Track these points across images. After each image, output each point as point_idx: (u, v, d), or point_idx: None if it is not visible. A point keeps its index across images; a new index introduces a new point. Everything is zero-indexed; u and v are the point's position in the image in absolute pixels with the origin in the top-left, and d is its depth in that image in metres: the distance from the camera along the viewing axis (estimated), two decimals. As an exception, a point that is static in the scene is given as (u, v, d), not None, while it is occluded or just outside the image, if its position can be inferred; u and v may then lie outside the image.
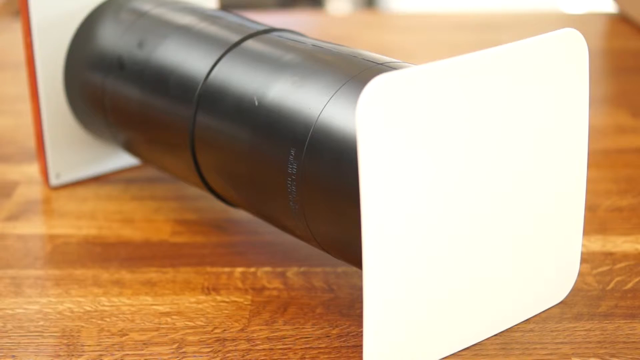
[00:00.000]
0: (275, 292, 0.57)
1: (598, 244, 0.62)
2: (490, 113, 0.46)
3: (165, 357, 0.51)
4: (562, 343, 0.52)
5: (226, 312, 0.55)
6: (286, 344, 0.52)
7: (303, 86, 0.51)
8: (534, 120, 0.48)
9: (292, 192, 0.50)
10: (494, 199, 0.47)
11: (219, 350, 0.51)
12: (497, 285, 0.50)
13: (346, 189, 0.47)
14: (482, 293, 0.49)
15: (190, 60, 0.58)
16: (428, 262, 0.46)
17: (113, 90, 0.62)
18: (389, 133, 0.42)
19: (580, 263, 0.58)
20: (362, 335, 0.52)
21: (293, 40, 0.57)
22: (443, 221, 0.46)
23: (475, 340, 0.50)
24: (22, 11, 0.64)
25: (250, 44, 0.57)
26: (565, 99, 0.49)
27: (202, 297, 0.56)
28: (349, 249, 0.49)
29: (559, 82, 0.48)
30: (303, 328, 0.53)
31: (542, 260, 0.52)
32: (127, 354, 0.51)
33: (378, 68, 0.50)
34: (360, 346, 0.51)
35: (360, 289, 0.57)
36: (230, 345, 0.52)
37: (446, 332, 0.49)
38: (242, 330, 0.53)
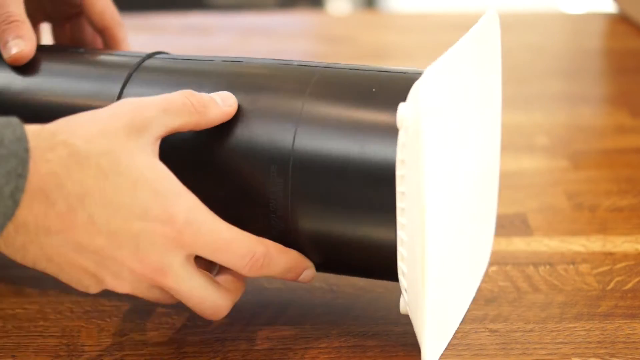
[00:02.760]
0: (275, 292, 0.57)
1: (598, 244, 0.62)
2: (472, 99, 0.51)
3: (165, 357, 0.51)
4: (562, 343, 0.52)
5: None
6: (286, 344, 0.52)
7: (260, 103, 0.50)
8: (487, 99, 0.54)
9: (276, 209, 0.48)
10: (476, 171, 0.53)
11: (219, 350, 0.51)
12: (475, 247, 0.55)
13: (342, 202, 0.47)
14: (470, 257, 0.55)
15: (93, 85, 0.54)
16: (453, 238, 0.50)
17: None
18: (438, 125, 0.45)
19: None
20: (361, 335, 0.52)
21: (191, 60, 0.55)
22: (460, 199, 0.50)
23: (470, 297, 0.55)
24: None
25: (152, 63, 0.54)
26: (490, 73, 0.54)
27: (202, 297, 0.56)
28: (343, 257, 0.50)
29: (489, 59, 0.53)
30: (303, 328, 0.53)
31: (490, 222, 0.59)
32: (127, 354, 0.51)
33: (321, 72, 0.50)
34: (361, 346, 0.51)
35: (360, 289, 0.57)
36: (230, 345, 0.52)
37: (461, 296, 0.54)
38: (242, 330, 0.53)
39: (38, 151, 0.42)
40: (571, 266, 0.60)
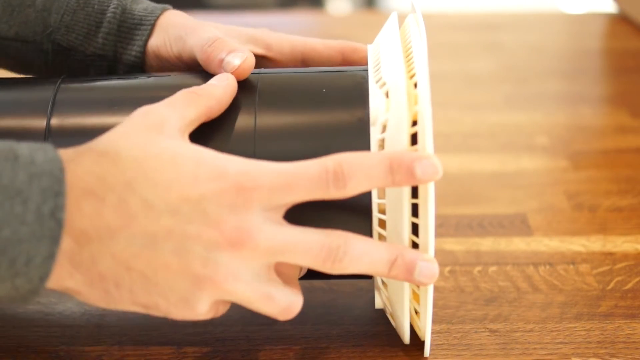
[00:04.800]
0: (275, 292, 0.57)
1: (598, 244, 0.62)
2: None
3: (165, 357, 0.51)
4: (562, 343, 0.52)
5: (226, 312, 0.54)
6: (286, 344, 0.52)
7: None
8: None
9: None
10: None
11: (219, 350, 0.51)
12: None
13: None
14: None
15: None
16: None
17: None
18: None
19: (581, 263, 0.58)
20: (362, 335, 0.52)
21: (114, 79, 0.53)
22: None
23: None
24: None
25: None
26: None
27: (202, 297, 0.56)
28: None
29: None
30: (303, 328, 0.53)
31: None
32: (127, 354, 0.51)
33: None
34: (361, 345, 0.51)
35: (360, 289, 0.57)
36: (230, 345, 0.52)
37: None
38: (242, 330, 0.53)
39: (68, 163, 0.41)
40: (571, 266, 0.60)
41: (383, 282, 0.48)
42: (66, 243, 0.41)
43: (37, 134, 0.48)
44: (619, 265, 0.60)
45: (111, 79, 0.52)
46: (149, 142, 0.43)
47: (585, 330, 0.53)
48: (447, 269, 0.59)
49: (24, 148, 0.41)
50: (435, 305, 0.55)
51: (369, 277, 0.50)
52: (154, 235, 0.41)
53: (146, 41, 0.55)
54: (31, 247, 0.39)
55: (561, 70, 1.01)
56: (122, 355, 0.51)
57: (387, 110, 0.46)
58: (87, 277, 0.42)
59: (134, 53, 0.55)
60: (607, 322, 0.53)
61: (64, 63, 0.56)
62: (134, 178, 0.41)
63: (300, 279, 0.50)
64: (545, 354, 0.51)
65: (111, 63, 0.55)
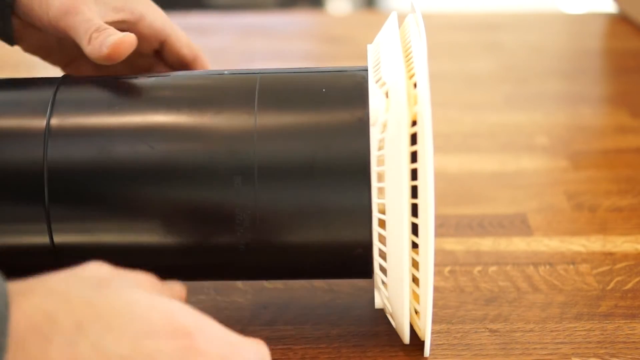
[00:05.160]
0: (275, 292, 0.57)
1: (598, 244, 0.62)
2: None
3: (165, 357, 0.51)
4: (562, 343, 0.52)
5: (226, 312, 0.55)
6: (286, 344, 0.52)
7: (209, 115, 0.48)
8: None
9: (243, 222, 0.47)
10: None
11: (219, 350, 0.51)
12: None
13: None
14: None
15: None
16: None
17: None
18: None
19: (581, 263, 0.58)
20: (361, 335, 0.52)
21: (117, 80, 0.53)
22: None
23: None
24: None
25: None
26: None
27: (202, 297, 0.56)
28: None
29: None
30: (303, 328, 0.53)
31: None
32: (127, 354, 0.51)
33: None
34: (361, 345, 0.51)
35: (360, 289, 0.57)
36: (230, 345, 0.51)
37: None
38: (242, 330, 0.53)
39: (17, 296, 0.39)
40: (571, 266, 0.60)
41: (383, 282, 0.48)
42: None
43: (37, 134, 0.48)
44: (619, 265, 0.60)
45: (111, 79, 0.52)
46: (102, 284, 0.41)
47: (585, 330, 0.53)
48: (447, 269, 0.59)
49: None
50: (435, 305, 0.55)
51: (369, 277, 0.50)
52: None
53: None
54: None
55: (561, 70, 1.01)
56: (122, 355, 0.51)
57: (387, 110, 0.46)
58: None
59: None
60: (607, 322, 0.53)
61: None
62: (87, 321, 0.39)
63: (301, 279, 0.50)
64: (545, 354, 0.51)
65: None
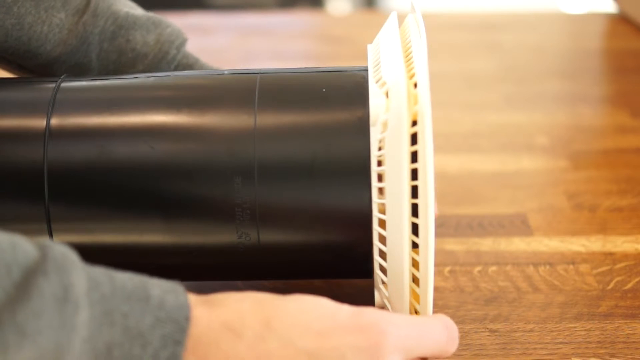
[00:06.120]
0: (275, 292, 0.56)
1: (598, 244, 0.62)
2: None
3: (165, 357, 0.51)
4: (562, 343, 0.52)
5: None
6: (286, 344, 0.52)
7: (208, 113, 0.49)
8: None
9: (244, 222, 0.47)
10: None
11: (219, 350, 0.51)
12: None
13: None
14: None
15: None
16: None
17: None
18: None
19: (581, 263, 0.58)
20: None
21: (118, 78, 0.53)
22: None
23: None
24: None
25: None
26: None
27: (202, 297, 0.56)
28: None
29: None
30: (303, 328, 0.53)
31: None
32: (127, 354, 0.51)
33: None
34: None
35: (360, 289, 0.57)
36: (230, 345, 0.51)
37: None
38: (242, 330, 0.53)
39: (200, 306, 0.41)
40: (571, 266, 0.60)
41: (383, 282, 0.48)
42: None
43: (37, 134, 0.48)
44: (619, 265, 0.60)
45: (111, 79, 0.52)
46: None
47: (585, 330, 0.53)
48: (447, 269, 0.59)
49: (156, 288, 0.40)
50: (435, 305, 0.55)
51: (369, 277, 0.50)
52: None
53: None
54: None
55: (561, 70, 1.01)
56: (122, 355, 0.51)
57: (387, 110, 0.46)
58: None
59: None
60: (607, 322, 0.53)
61: None
62: (273, 317, 0.41)
63: (301, 279, 0.50)
64: (545, 354, 0.51)
65: None
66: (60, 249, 0.38)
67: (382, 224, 0.46)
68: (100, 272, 0.39)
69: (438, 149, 0.75)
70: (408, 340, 0.43)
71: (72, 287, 0.37)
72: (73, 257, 0.39)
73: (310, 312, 0.42)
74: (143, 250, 0.49)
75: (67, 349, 0.37)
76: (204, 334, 0.40)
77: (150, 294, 0.40)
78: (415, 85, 0.46)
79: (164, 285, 0.41)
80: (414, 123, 0.45)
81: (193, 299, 0.41)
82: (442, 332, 0.45)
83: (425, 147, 0.44)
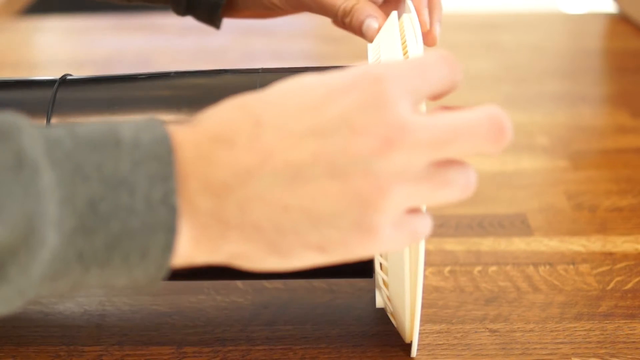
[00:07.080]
0: (275, 292, 0.57)
1: (598, 244, 0.62)
2: None
3: (165, 357, 0.51)
4: (562, 343, 0.52)
5: (226, 312, 0.55)
6: (286, 344, 0.52)
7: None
8: None
9: None
10: None
11: (219, 350, 0.51)
12: None
13: None
14: None
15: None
16: None
17: None
18: None
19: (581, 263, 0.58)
20: (361, 335, 0.52)
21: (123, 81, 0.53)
22: None
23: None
24: None
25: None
26: None
27: (202, 297, 0.56)
28: None
29: None
30: (303, 328, 0.53)
31: None
32: (127, 354, 0.51)
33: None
34: (361, 345, 0.51)
35: (360, 289, 0.57)
36: (230, 345, 0.52)
37: None
38: (242, 330, 0.53)
39: (185, 128, 0.37)
40: (571, 266, 0.60)
41: (384, 281, 0.48)
42: (207, 203, 0.36)
43: None
44: (619, 265, 0.60)
45: (111, 78, 0.52)
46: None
47: (585, 330, 0.53)
48: (447, 269, 0.59)
49: (126, 130, 0.36)
50: (435, 305, 0.55)
51: (369, 277, 0.50)
52: (298, 164, 0.36)
53: None
54: (145, 240, 0.35)
55: (561, 70, 1.01)
56: (122, 355, 0.51)
57: None
58: (242, 232, 0.37)
59: None
60: (607, 322, 0.53)
61: None
62: (262, 114, 0.37)
63: (300, 278, 0.50)
64: (545, 354, 0.51)
65: None
66: (2, 117, 0.35)
67: None
68: (60, 129, 0.36)
69: (438, 149, 0.75)
70: (411, 80, 0.38)
71: (24, 151, 0.34)
72: (21, 121, 0.35)
73: (296, 91, 0.37)
74: None
75: (41, 217, 0.33)
76: (195, 156, 0.36)
77: (120, 137, 0.36)
78: None
79: (136, 124, 0.37)
80: None
81: (172, 128, 0.37)
82: (441, 61, 0.40)
83: None
